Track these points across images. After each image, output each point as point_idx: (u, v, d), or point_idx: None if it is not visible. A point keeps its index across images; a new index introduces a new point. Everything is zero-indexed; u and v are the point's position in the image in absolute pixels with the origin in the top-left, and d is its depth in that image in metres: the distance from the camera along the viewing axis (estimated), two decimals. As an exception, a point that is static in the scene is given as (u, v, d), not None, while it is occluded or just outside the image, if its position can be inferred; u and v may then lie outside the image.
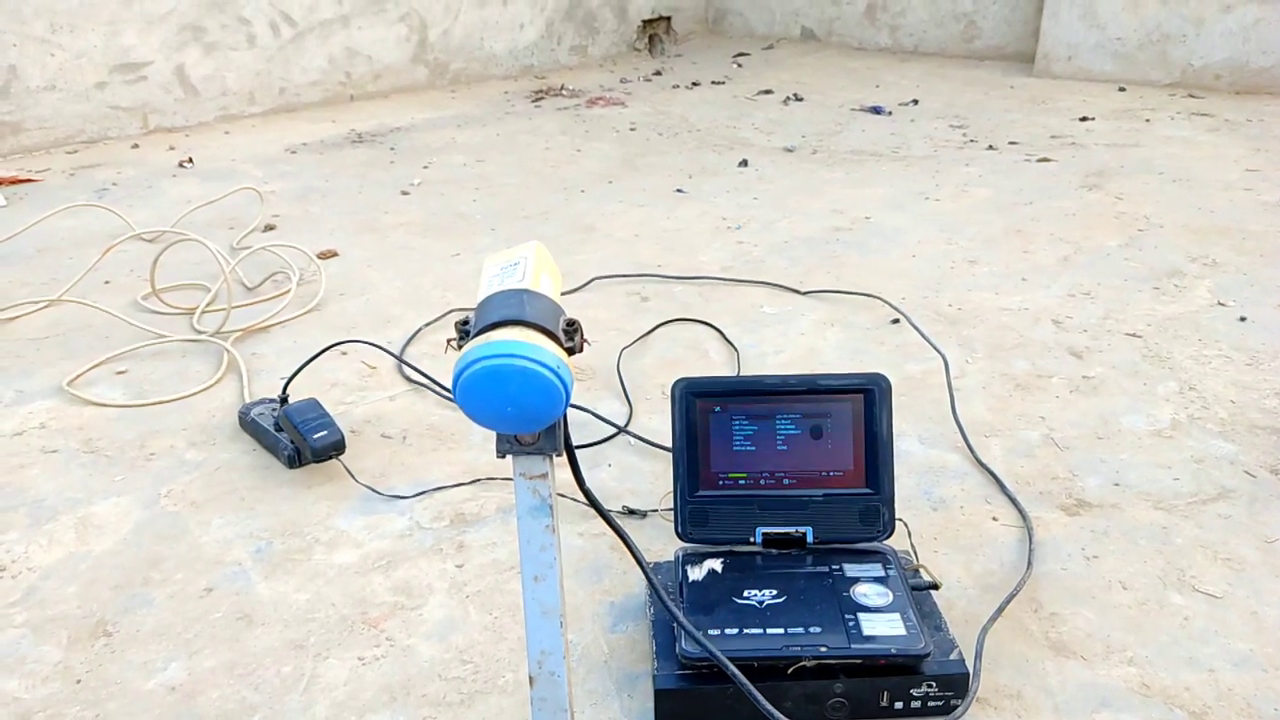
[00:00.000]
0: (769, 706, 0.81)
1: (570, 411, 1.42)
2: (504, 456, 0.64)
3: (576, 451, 0.75)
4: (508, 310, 0.62)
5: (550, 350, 0.60)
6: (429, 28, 3.85)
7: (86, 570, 1.12)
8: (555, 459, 0.65)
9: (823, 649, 0.87)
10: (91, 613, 1.06)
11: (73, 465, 1.33)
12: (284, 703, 0.94)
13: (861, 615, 0.91)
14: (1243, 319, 1.70)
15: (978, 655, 0.94)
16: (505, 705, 0.92)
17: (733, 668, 0.80)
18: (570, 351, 0.63)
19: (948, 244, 2.10)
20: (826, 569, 0.97)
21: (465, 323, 0.63)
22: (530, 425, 0.61)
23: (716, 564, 0.99)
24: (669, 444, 1.12)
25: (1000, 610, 1.01)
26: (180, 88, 3.25)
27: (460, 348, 0.62)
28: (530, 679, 0.67)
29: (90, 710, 0.93)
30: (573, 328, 0.64)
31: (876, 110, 3.38)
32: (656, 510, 1.21)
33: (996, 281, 1.90)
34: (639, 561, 0.74)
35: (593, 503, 0.71)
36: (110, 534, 1.19)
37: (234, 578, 1.11)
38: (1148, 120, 3.15)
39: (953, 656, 0.90)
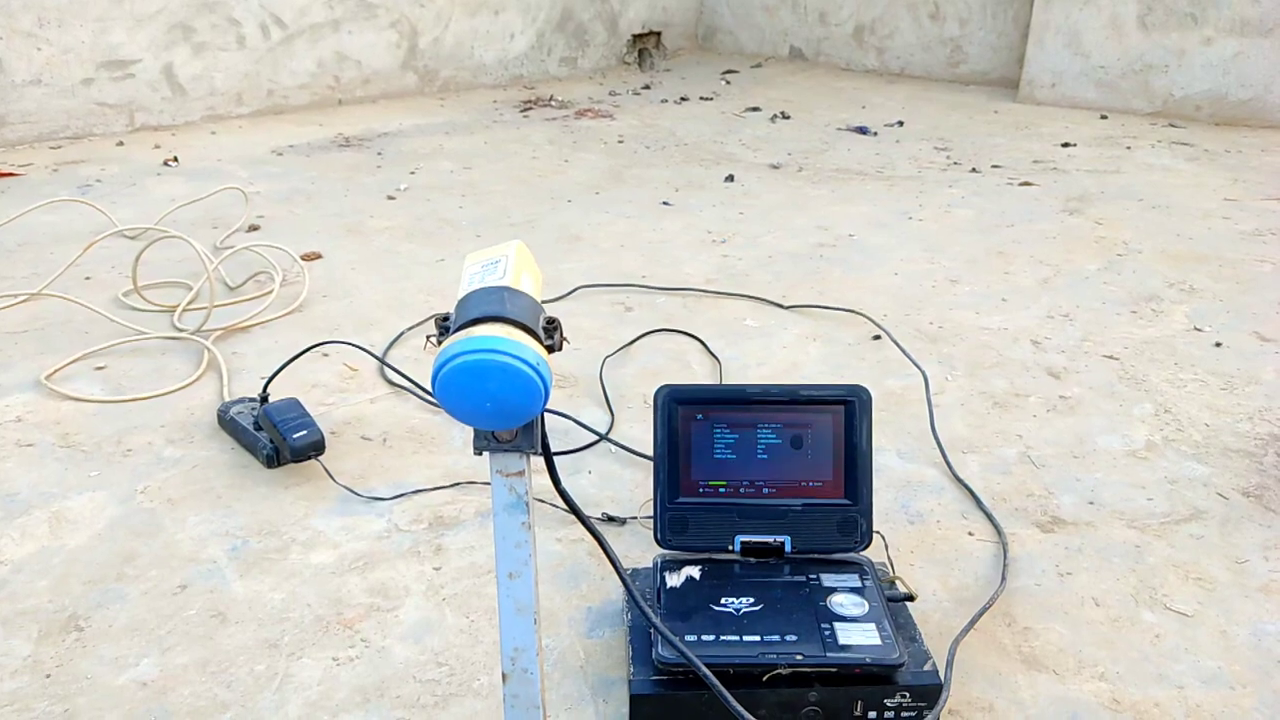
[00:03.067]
0: (744, 712, 0.81)
1: (551, 418, 1.43)
2: (481, 453, 0.64)
3: (557, 458, 0.75)
4: (488, 307, 0.62)
5: (530, 347, 0.60)
6: (419, 35, 3.86)
7: (59, 565, 1.11)
8: (532, 457, 0.66)
9: (798, 657, 0.87)
10: (63, 607, 1.05)
11: (48, 459, 1.32)
12: (256, 701, 0.93)
13: (837, 624, 0.91)
14: (1218, 344, 1.73)
15: (949, 666, 0.94)
16: (479, 708, 0.92)
17: (707, 671, 0.80)
18: (550, 349, 0.63)
19: (930, 263, 2.12)
20: (804, 578, 0.97)
21: (445, 318, 0.63)
22: (508, 421, 0.61)
23: (695, 571, 0.99)
24: (650, 452, 1.13)
25: (973, 623, 1.02)
26: (168, 86, 3.24)
27: (440, 343, 0.62)
28: (504, 676, 0.67)
29: (59, 705, 0.92)
30: (552, 326, 0.64)
31: (862, 130, 3.41)
32: (636, 517, 1.21)
33: (977, 301, 1.92)
34: (614, 564, 0.74)
35: (568, 503, 0.71)
36: (84, 529, 1.18)
37: (209, 575, 1.10)
38: (1129, 148, 3.19)
39: (926, 667, 0.90)
